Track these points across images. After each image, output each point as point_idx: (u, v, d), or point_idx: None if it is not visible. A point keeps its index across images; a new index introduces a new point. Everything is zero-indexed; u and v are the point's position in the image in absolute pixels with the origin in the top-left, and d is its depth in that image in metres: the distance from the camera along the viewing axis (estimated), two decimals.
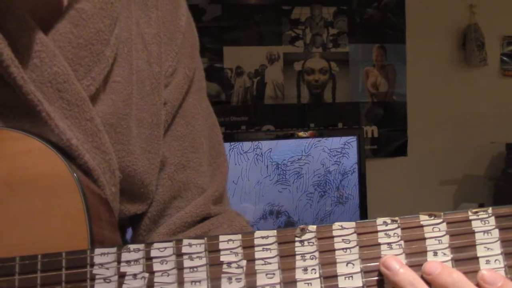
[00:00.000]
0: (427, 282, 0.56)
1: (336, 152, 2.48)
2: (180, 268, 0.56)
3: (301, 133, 2.50)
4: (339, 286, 0.56)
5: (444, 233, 0.58)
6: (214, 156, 0.85)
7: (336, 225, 0.57)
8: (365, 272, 0.56)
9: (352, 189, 2.51)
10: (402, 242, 0.58)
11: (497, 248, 0.58)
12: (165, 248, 0.56)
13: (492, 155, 3.19)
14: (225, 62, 2.95)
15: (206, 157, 0.84)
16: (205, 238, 0.56)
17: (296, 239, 0.57)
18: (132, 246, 0.56)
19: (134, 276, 0.55)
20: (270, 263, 0.56)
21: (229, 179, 0.88)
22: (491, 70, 3.23)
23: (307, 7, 3.05)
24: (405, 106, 3.15)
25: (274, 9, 3.02)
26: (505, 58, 3.27)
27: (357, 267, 0.57)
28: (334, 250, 0.57)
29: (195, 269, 0.56)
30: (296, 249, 0.57)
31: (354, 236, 0.57)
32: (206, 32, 2.89)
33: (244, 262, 0.56)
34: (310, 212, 2.47)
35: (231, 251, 0.56)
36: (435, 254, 0.57)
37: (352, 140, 2.50)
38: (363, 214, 2.52)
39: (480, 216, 0.59)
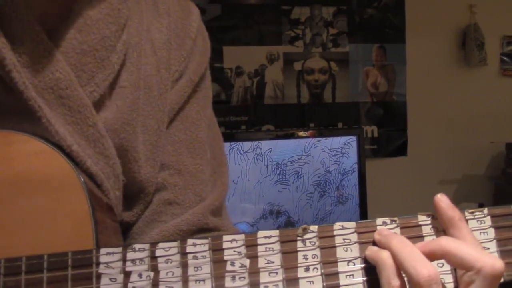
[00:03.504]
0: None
1: (336, 152, 2.48)
2: (184, 267, 0.57)
3: (301, 133, 2.51)
4: (340, 284, 0.57)
5: (441, 233, 0.59)
6: (216, 166, 0.84)
7: (337, 225, 0.59)
8: (366, 270, 0.58)
9: (352, 189, 2.51)
10: None
11: (493, 247, 0.59)
12: (170, 247, 0.57)
13: (492, 155, 3.19)
14: (225, 62, 2.96)
15: (208, 165, 0.82)
16: (209, 238, 0.58)
17: (298, 238, 0.58)
18: (137, 246, 0.57)
19: (140, 275, 0.56)
20: (273, 262, 0.57)
21: (229, 179, 0.88)
22: (491, 70, 3.23)
23: (306, 7, 3.06)
24: (405, 106, 3.16)
25: (274, 9, 3.03)
26: (505, 58, 3.27)
27: (358, 266, 0.58)
28: (335, 249, 0.58)
29: (199, 268, 0.57)
30: (298, 248, 0.58)
31: (355, 236, 0.59)
32: None
33: (247, 261, 0.57)
34: (310, 212, 2.48)
35: (234, 250, 0.57)
36: None
37: (352, 140, 2.50)
38: (363, 214, 2.52)
39: (476, 216, 0.60)
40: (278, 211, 2.44)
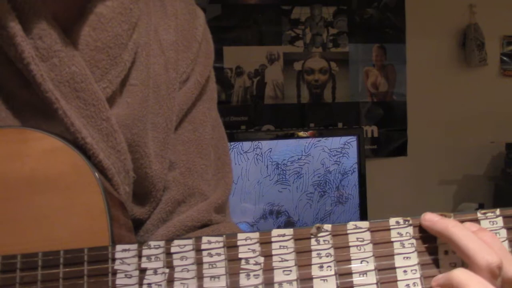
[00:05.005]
0: None
1: (336, 152, 2.49)
2: (199, 264, 0.57)
3: (301, 133, 2.51)
4: (354, 282, 0.57)
5: None
6: (220, 167, 0.86)
7: (351, 224, 0.59)
8: (379, 269, 0.58)
9: (352, 189, 2.51)
10: (414, 241, 0.59)
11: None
12: (185, 244, 0.58)
13: (492, 155, 3.20)
14: (225, 62, 2.96)
15: (212, 166, 0.84)
16: (224, 236, 0.58)
17: (312, 237, 0.58)
18: (152, 243, 0.57)
19: (155, 271, 0.56)
20: (287, 260, 0.58)
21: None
22: (491, 70, 3.24)
23: (307, 7, 3.06)
24: (405, 106, 3.16)
25: (274, 9, 3.03)
26: (505, 58, 3.28)
27: (371, 265, 0.58)
28: (349, 248, 0.58)
29: (214, 265, 0.57)
30: (312, 246, 0.58)
31: (368, 235, 0.59)
32: None
33: (261, 259, 0.57)
34: (310, 212, 2.48)
35: (249, 248, 0.58)
36: (446, 253, 0.59)
37: (352, 140, 2.50)
38: (363, 214, 2.52)
39: (488, 217, 0.60)
40: (278, 211, 2.44)
